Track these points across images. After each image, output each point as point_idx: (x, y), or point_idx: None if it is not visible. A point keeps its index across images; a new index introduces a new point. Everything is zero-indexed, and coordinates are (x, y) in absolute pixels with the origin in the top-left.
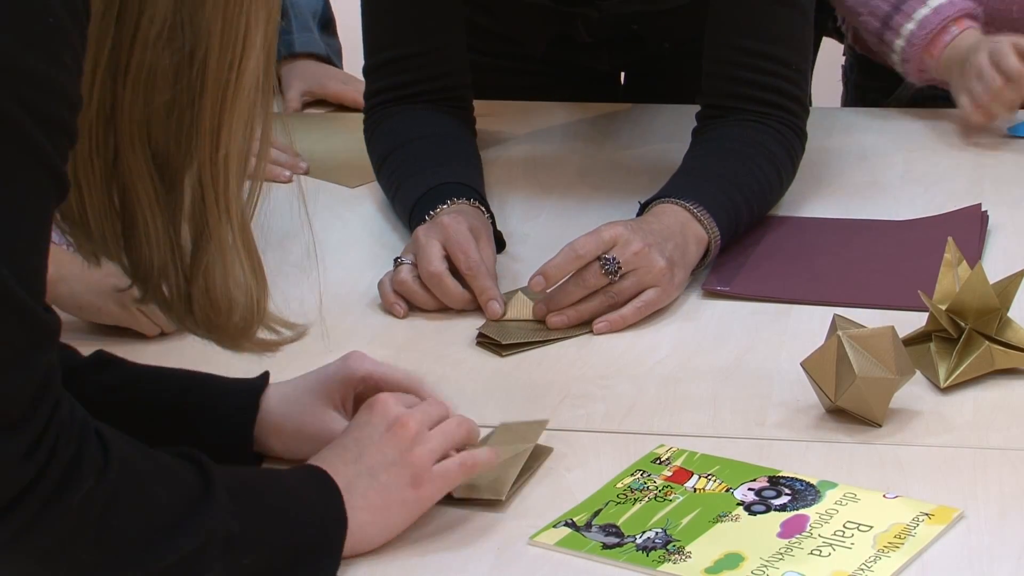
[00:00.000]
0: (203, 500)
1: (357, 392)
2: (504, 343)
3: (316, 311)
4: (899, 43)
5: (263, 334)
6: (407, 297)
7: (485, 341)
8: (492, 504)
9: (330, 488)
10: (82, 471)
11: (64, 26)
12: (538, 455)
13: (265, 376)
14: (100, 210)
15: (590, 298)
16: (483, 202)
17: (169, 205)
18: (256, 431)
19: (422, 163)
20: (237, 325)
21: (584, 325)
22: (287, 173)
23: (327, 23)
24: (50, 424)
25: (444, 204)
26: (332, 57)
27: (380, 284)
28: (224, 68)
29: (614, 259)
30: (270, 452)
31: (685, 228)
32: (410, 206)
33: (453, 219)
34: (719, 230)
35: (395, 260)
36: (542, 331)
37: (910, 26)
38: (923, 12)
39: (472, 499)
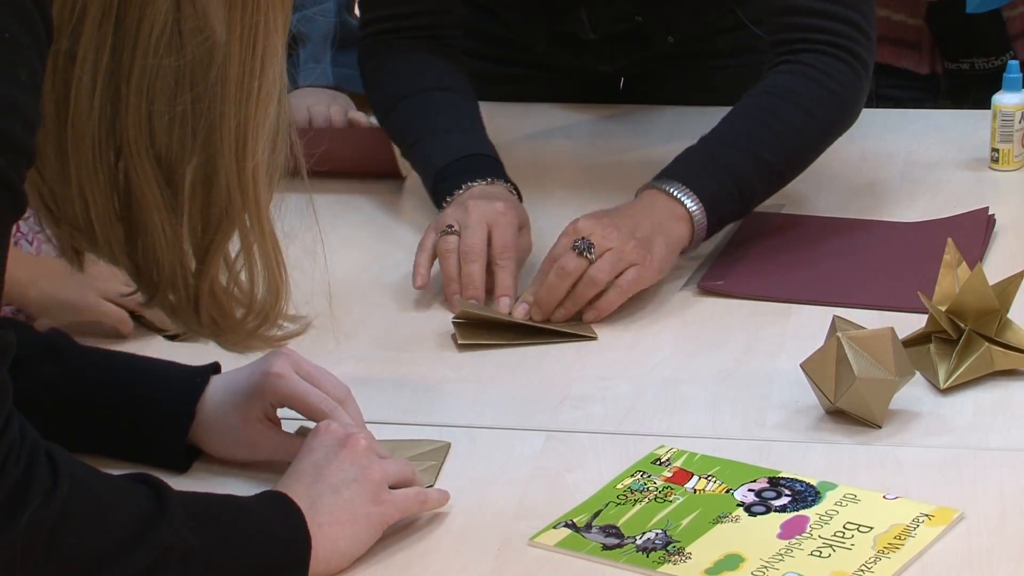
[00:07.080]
0: (157, 516)
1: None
2: (461, 341)
3: (323, 307)
4: None
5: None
6: (443, 265)
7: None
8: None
9: (291, 509)
10: (31, 491)
11: (20, 43)
12: (440, 451)
13: (208, 371)
14: (105, 217)
15: (574, 290)
16: (513, 183)
17: (176, 210)
18: (191, 435)
19: (443, 121)
20: (246, 327)
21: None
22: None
23: (346, 40)
24: (0, 442)
25: (484, 180)
26: (344, 83)
27: (421, 245)
28: (245, 75)
29: (584, 239)
30: (205, 450)
31: (658, 207)
32: (437, 169)
33: (506, 209)
34: (700, 201)
35: (448, 226)
36: (511, 331)
37: None
38: None
39: None
